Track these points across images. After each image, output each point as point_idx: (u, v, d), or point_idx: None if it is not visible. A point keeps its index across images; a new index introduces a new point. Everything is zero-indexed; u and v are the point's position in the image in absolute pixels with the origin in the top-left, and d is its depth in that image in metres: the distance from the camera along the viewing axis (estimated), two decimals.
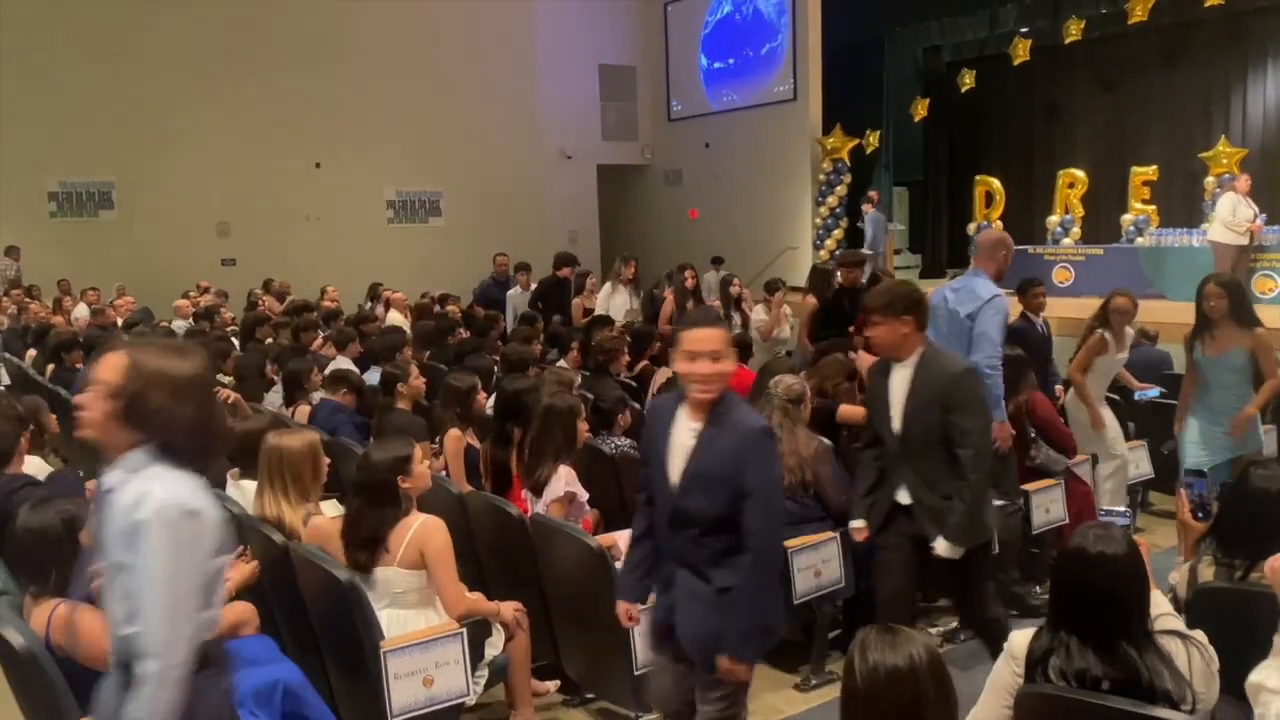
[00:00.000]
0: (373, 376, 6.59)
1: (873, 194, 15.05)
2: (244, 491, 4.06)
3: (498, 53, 16.82)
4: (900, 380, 3.54)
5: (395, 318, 9.94)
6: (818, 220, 16.12)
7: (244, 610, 3.53)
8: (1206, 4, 12.54)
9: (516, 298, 10.39)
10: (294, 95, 15.03)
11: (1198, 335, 4.91)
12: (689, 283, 8.93)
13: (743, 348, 7.20)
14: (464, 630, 3.26)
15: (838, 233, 16.02)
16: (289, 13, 14.97)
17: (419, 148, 16.16)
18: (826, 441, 4.68)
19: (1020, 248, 13.92)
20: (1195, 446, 4.97)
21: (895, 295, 3.53)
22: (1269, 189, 12.27)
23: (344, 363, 6.81)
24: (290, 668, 3.22)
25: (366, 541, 3.37)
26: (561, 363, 7.06)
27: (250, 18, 14.70)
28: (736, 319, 8.75)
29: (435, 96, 16.16)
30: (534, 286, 10.41)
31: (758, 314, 9.02)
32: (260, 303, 11.66)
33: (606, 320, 8.47)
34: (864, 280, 7.94)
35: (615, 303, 9.47)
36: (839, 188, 15.95)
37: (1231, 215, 10.77)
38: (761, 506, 2.65)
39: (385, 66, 15.71)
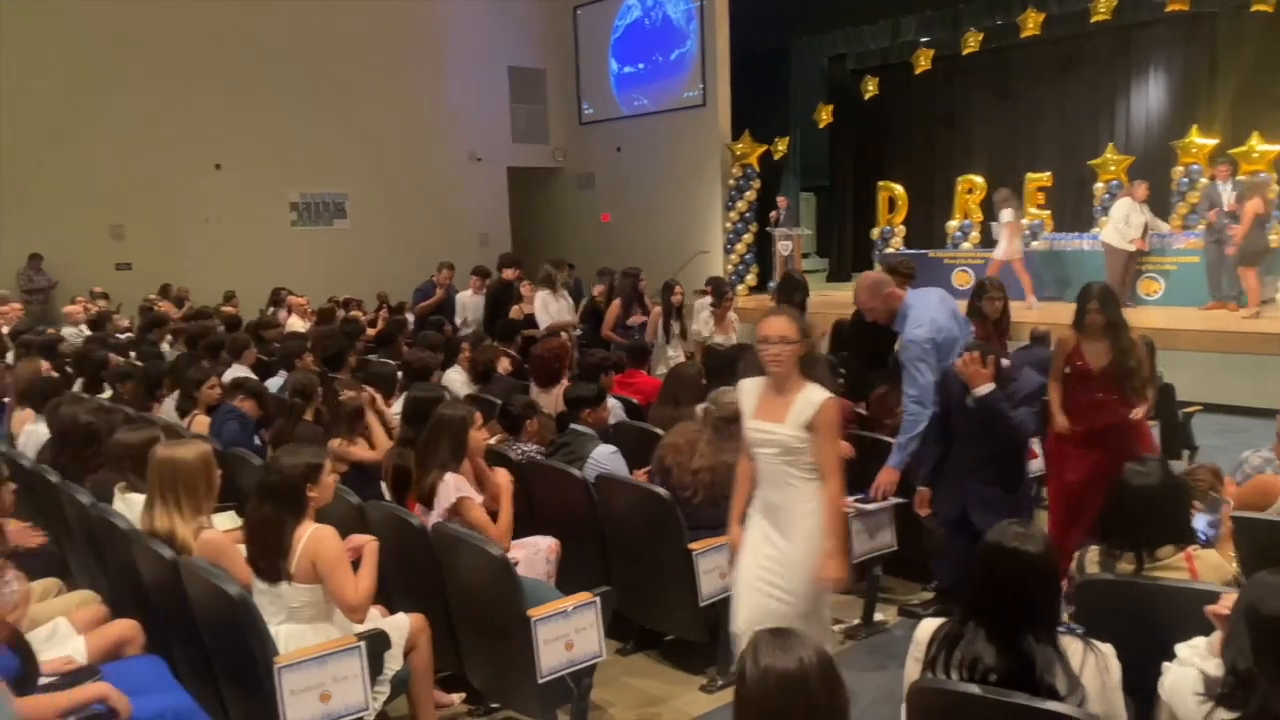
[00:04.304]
0: (275, 383, 6.44)
1: (781, 200, 15.29)
2: (131, 505, 3.90)
3: (405, 53, 16.57)
4: None
5: (296, 323, 9.72)
6: (728, 225, 16.30)
7: (128, 628, 3.40)
8: (1094, 19, 13.08)
9: (467, 300, 10.26)
10: (193, 94, 14.54)
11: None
12: (676, 299, 8.56)
13: (638, 354, 7.21)
14: (362, 644, 3.20)
15: (748, 237, 16.23)
16: (185, 9, 14.49)
17: (323, 149, 15.80)
18: None
19: (920, 252, 14.36)
20: None
21: None
22: (1151, 193, 12.83)
23: (241, 370, 6.61)
24: (180, 696, 3.11)
25: (273, 549, 3.27)
26: (453, 371, 6.96)
27: (145, 14, 14.18)
28: (676, 328, 8.47)
29: (340, 97, 15.83)
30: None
31: (701, 323, 8.50)
32: (156, 308, 11.27)
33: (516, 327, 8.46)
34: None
35: (555, 309, 9.38)
36: (748, 193, 16.15)
37: (1124, 222, 11.24)
38: None
39: (288, 65, 15.33)
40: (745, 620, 3.37)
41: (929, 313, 4.63)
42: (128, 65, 14.08)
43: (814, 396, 3.36)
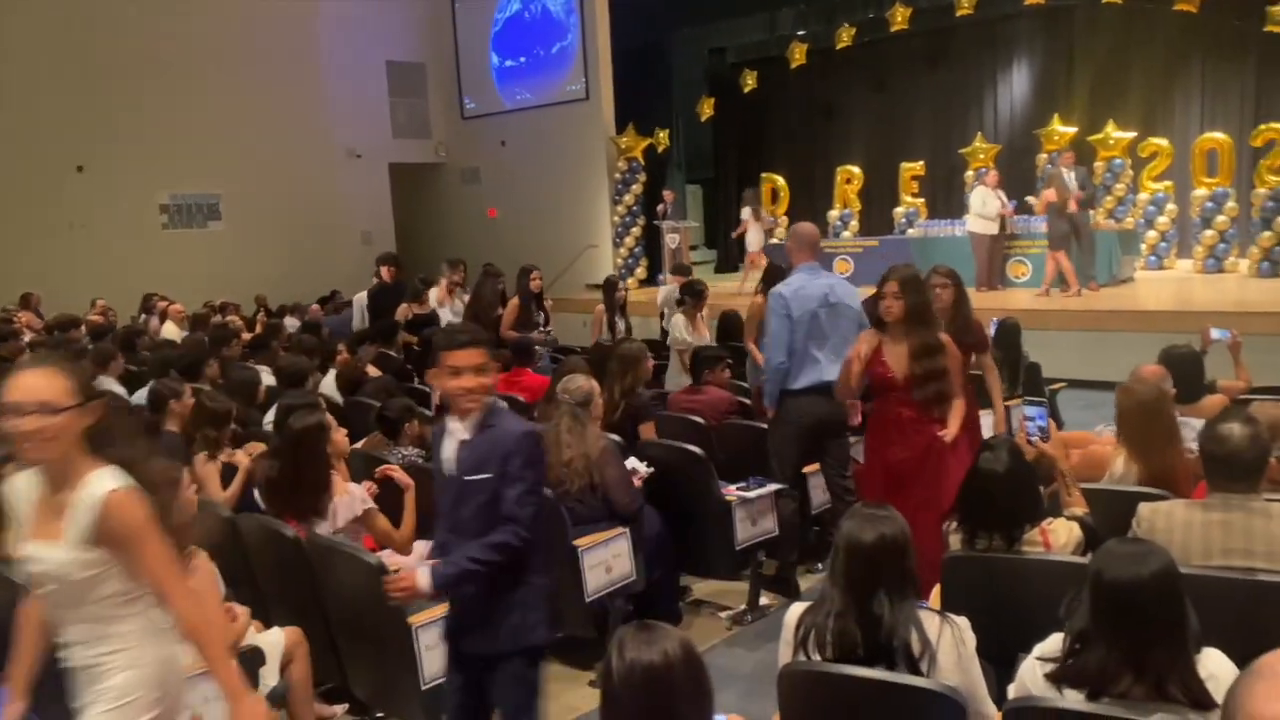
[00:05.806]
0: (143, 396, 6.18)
1: (667, 193, 15.42)
2: None
3: (277, 48, 16.05)
4: None
5: (170, 330, 9.35)
6: (615, 218, 16.35)
7: None
8: (958, 13, 13.57)
9: (364, 301, 9.96)
10: (49, 92, 13.80)
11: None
12: (534, 285, 8.37)
13: (524, 352, 7.14)
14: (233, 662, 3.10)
15: (636, 230, 16.30)
16: (38, 3, 13.74)
17: (194, 148, 15.19)
18: (614, 438, 4.75)
19: None
20: None
21: None
22: (1019, 180, 13.39)
23: (108, 382, 6.32)
24: None
25: None
26: (327, 379, 6.76)
27: None
28: (621, 326, 8.14)
29: (210, 93, 15.23)
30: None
31: (679, 327, 7.40)
32: (15, 320, 10.67)
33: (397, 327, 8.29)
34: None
35: (447, 309, 9.16)
36: (635, 186, 16.22)
37: (983, 206, 11.74)
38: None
39: (153, 61, 14.67)
40: None
41: (800, 280, 4.94)
42: None
43: (95, 490, 2.13)
